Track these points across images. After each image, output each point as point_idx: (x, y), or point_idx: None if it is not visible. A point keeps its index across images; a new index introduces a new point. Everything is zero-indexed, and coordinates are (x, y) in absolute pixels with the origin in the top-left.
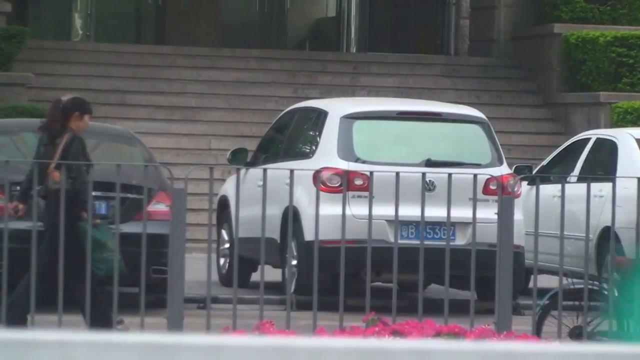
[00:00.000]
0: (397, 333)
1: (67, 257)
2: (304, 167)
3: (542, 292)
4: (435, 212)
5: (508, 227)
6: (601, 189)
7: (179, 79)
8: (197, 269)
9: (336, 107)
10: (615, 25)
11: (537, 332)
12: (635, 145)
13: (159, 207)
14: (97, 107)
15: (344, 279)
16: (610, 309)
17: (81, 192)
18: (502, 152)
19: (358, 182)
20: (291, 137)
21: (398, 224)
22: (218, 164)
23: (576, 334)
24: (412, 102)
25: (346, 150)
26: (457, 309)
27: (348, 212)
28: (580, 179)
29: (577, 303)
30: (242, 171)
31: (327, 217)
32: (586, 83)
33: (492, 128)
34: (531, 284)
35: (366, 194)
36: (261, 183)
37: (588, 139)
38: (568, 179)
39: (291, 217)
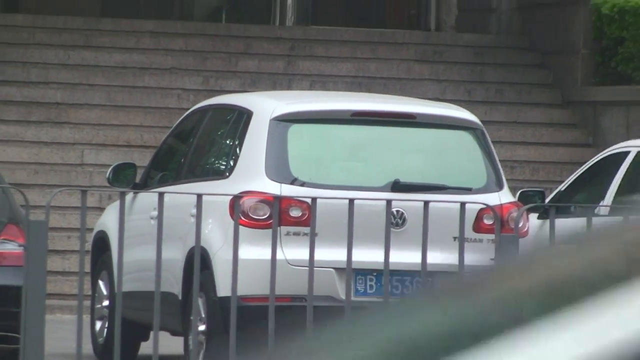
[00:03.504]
0: None
1: None
2: (217, 191)
3: None
4: (406, 256)
5: None
6: None
7: (38, 62)
8: (63, 336)
9: (264, 105)
10: None
11: None
12: None
13: (7, 247)
14: None
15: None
16: None
17: None
18: (502, 172)
19: (295, 212)
20: (199, 148)
21: (352, 273)
22: (94, 187)
23: None
24: (374, 99)
25: (278, 167)
26: None
27: (280, 255)
28: (615, 210)
29: None
30: (129, 196)
31: (250, 263)
32: (624, 72)
33: (487, 137)
34: None
35: (306, 230)
36: (156, 213)
37: (626, 153)
38: (597, 210)
39: (198, 263)
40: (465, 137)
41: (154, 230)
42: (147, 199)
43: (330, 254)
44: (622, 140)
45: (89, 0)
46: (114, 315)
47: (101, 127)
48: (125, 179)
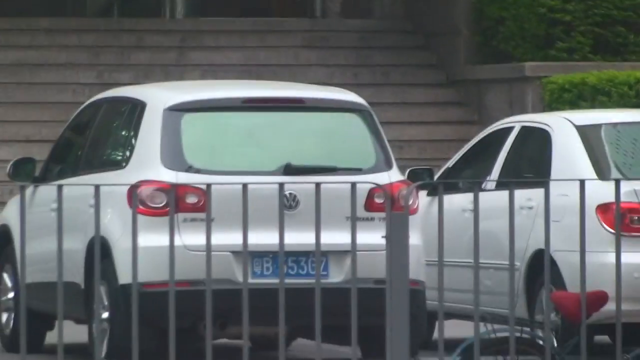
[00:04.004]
0: None
1: None
2: (115, 181)
3: (451, 345)
4: (300, 238)
5: (401, 256)
6: (530, 197)
7: None
8: None
9: (157, 96)
10: None
11: None
12: (576, 134)
13: None
14: None
15: (174, 336)
16: None
17: None
18: (390, 152)
19: (191, 199)
20: (95, 140)
21: (248, 256)
22: None
23: None
24: (264, 86)
25: (173, 155)
26: None
27: (178, 242)
28: (501, 185)
29: (500, 358)
30: (29, 190)
31: (149, 251)
32: (506, 51)
33: (375, 118)
34: (436, 334)
35: (202, 216)
36: (55, 205)
37: (510, 129)
38: (484, 185)
39: (98, 253)
40: (354, 119)
41: (54, 222)
42: (47, 191)
43: (227, 238)
44: (506, 116)
45: None
46: (19, 306)
47: (0, 124)
48: (25, 173)
